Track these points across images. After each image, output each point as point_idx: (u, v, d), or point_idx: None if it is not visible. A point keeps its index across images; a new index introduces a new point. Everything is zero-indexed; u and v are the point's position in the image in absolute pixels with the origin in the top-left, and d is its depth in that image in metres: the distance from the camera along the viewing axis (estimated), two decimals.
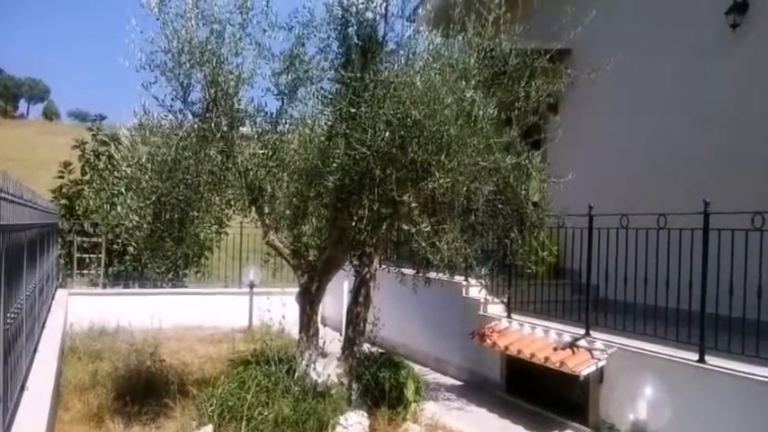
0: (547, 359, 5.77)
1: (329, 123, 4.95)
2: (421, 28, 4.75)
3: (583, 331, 5.94)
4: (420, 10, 5.89)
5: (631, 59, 7.06)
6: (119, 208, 4.56)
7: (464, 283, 7.76)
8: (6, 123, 74.30)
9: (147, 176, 4.43)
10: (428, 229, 5.05)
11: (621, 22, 8.06)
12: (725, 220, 4.71)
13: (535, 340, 6.27)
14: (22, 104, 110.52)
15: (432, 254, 5.06)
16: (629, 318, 5.68)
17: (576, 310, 6.28)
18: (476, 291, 7.64)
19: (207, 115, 4.68)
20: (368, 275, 6.14)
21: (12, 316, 3.71)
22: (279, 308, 7.67)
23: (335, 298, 9.95)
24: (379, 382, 5.62)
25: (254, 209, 5.35)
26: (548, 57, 5.14)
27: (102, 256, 10.81)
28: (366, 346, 6.32)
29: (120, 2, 4.17)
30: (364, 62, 4.56)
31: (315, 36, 4.79)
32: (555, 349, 5.86)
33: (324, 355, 5.81)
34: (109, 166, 10.56)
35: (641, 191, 7.41)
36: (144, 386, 6.18)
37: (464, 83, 4.59)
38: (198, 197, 4.71)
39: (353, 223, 5.26)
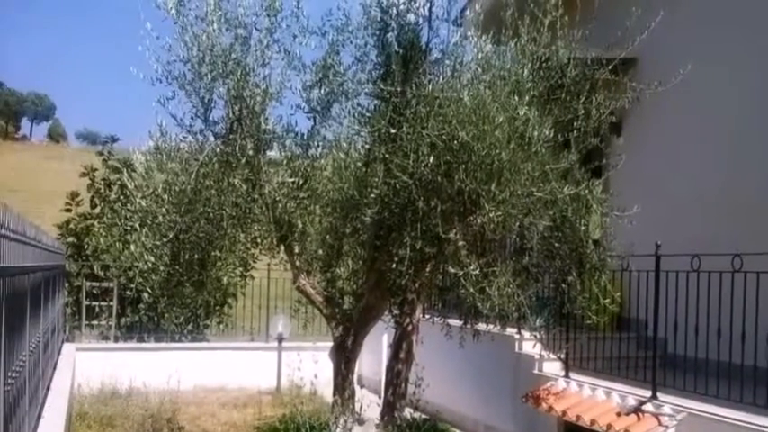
0: (609, 426, 5.36)
1: (366, 146, 4.68)
2: (469, 33, 4.48)
3: (649, 393, 5.51)
4: (468, 12, 5.58)
5: (707, 70, 6.48)
6: (132, 247, 4.30)
7: (516, 336, 7.29)
8: (7, 146, 71.70)
9: (163, 209, 4.18)
10: (477, 271, 4.69)
11: (695, 25, 7.42)
12: None
13: (596, 404, 5.87)
14: (25, 124, 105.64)
15: (481, 301, 4.70)
16: (701, 377, 5.26)
17: (642, 369, 5.85)
18: (530, 345, 7.15)
19: (230, 137, 4.42)
20: (410, 327, 5.80)
21: (13, 376, 3.45)
22: (310, 365, 7.40)
23: (373, 354, 9.51)
24: None
25: (282, 248, 5.07)
26: (609, 67, 4.84)
27: (114, 303, 10.38)
28: (408, 411, 5.98)
29: (134, 4, 4.01)
30: (405, 73, 4.29)
31: (351, 43, 4.53)
32: (618, 414, 5.47)
33: (361, 421, 5.57)
34: (121, 198, 10.29)
35: (718, 227, 6.83)
36: None
37: (517, 98, 4.30)
38: (220, 234, 4.44)
39: (394, 265, 4.97)
